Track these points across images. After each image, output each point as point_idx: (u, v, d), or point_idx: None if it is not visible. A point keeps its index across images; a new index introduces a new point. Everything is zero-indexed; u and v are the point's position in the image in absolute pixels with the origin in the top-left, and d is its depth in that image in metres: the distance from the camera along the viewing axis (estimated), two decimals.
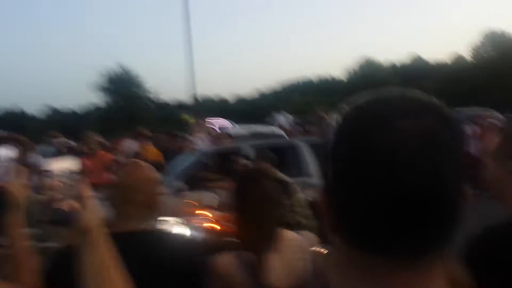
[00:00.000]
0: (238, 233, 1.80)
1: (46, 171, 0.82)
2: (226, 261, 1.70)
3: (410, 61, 61.97)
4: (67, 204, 0.98)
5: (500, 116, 12.13)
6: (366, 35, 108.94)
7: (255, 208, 1.72)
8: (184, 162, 6.49)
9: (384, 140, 0.53)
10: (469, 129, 9.84)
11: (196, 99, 20.22)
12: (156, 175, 1.67)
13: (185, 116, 15.88)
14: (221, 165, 6.76)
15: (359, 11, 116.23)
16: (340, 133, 0.58)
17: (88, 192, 0.99)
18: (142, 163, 1.73)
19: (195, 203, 5.55)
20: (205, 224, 3.84)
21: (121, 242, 1.17)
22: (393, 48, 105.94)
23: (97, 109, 43.87)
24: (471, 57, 49.78)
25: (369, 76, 47.80)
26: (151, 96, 39.42)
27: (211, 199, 4.65)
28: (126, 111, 35.99)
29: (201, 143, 9.37)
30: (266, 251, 1.69)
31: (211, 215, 3.99)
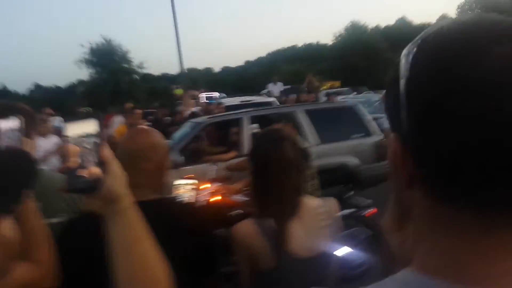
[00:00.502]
0: (258, 199, 1.72)
1: (65, 136, 0.74)
2: (247, 229, 1.65)
3: (395, 23, 61.50)
4: (88, 171, 0.85)
5: None
6: (352, 1, 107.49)
7: (277, 172, 1.64)
8: (180, 135, 6.39)
9: (482, 68, 0.45)
10: None
11: (182, 70, 19.84)
12: (164, 141, 1.60)
13: (177, 91, 15.66)
14: (219, 136, 6.70)
15: None
16: (419, 67, 0.49)
17: (111, 156, 0.87)
18: (149, 128, 1.63)
19: (193, 176, 5.54)
20: (207, 197, 3.81)
21: None
22: (379, 11, 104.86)
23: (81, 82, 42.95)
24: (457, 15, 49.41)
25: (356, 40, 47.30)
26: (135, 67, 38.58)
27: (211, 172, 4.60)
28: (112, 84, 35.24)
29: (194, 115, 9.25)
30: (287, 218, 1.63)
31: (212, 188, 3.96)
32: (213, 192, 3.83)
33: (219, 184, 3.95)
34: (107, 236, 0.88)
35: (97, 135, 0.87)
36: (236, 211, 3.69)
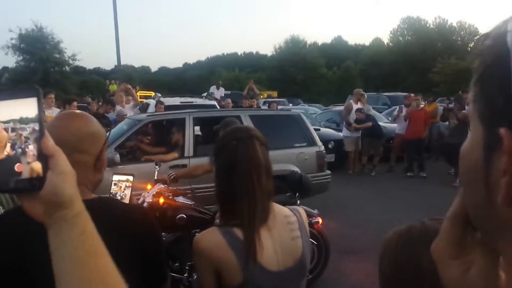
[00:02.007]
0: (224, 205, 1.53)
1: None
2: (212, 239, 1.45)
3: (331, 41, 64.11)
4: (25, 165, 0.65)
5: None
6: (294, 16, 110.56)
7: (249, 174, 1.45)
8: (116, 131, 6.01)
9: None
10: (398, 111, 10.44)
11: (119, 65, 19.06)
12: (103, 130, 1.31)
13: (112, 86, 14.96)
14: (160, 135, 6.40)
15: None
16: None
17: (56, 148, 0.66)
18: (85, 114, 1.32)
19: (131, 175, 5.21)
20: (148, 198, 3.55)
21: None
22: (317, 29, 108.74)
23: (5, 69, 39.87)
24: (389, 40, 52.56)
25: (294, 54, 48.52)
26: (67, 58, 36.52)
27: (149, 172, 4.32)
28: (40, 73, 32.98)
29: (130, 112, 8.83)
30: (258, 228, 1.45)
31: (151, 188, 3.71)
32: (155, 194, 3.58)
33: (162, 186, 3.70)
34: (52, 251, 0.65)
35: (36, 119, 0.66)
36: (180, 215, 3.47)
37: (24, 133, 0.65)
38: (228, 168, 1.49)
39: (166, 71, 75.45)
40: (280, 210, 1.57)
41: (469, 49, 45.69)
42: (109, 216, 1.15)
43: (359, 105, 10.17)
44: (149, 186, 3.75)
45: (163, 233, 3.53)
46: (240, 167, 1.46)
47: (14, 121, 0.66)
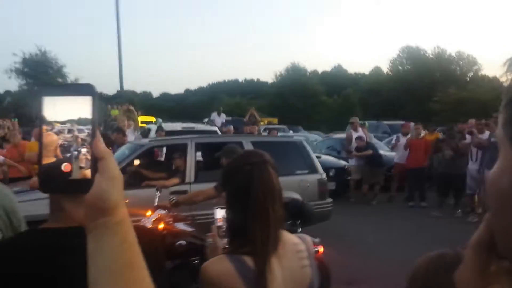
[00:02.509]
0: (234, 232, 1.49)
1: (44, 118, 0.54)
2: (221, 267, 1.41)
3: (331, 69, 64.87)
4: (76, 168, 0.62)
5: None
6: (294, 45, 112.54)
7: (263, 200, 1.42)
8: (117, 156, 6.00)
9: None
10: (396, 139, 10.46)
11: (121, 90, 19.24)
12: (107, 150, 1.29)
13: (114, 111, 15.01)
14: (160, 161, 6.39)
15: (288, 21, 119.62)
16: None
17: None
18: None
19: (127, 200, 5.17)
20: (147, 224, 3.51)
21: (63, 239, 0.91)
22: (317, 57, 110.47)
23: (6, 93, 40.18)
24: (388, 69, 53.18)
25: (295, 81, 49.01)
26: (70, 82, 36.81)
27: (150, 197, 4.29)
28: None
29: (132, 136, 8.84)
30: (269, 256, 1.41)
31: (151, 215, 3.67)
32: (155, 220, 3.54)
33: (162, 211, 3.67)
34: (89, 258, 0.63)
35: (90, 120, 0.64)
36: (179, 241, 3.43)
37: (82, 135, 0.64)
38: (241, 192, 1.46)
39: (167, 97, 76.03)
40: (289, 238, 1.54)
41: (467, 79, 46.23)
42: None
43: (360, 133, 10.21)
44: (149, 213, 3.72)
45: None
46: (255, 192, 1.43)
47: (71, 121, 0.64)
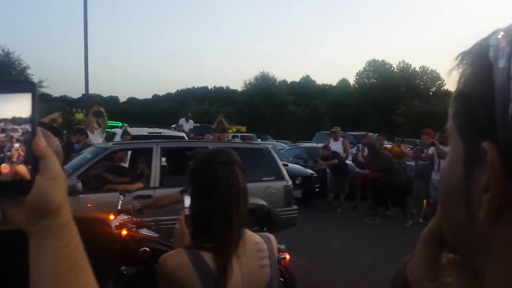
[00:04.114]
0: (197, 228, 1.50)
1: None
2: (177, 261, 1.40)
3: (300, 80, 65.79)
4: (10, 168, 0.58)
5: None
6: (264, 54, 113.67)
7: (227, 198, 1.43)
8: (79, 160, 5.82)
9: None
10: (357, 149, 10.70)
11: (87, 94, 18.78)
12: (58, 143, 1.23)
13: (78, 115, 14.67)
14: (123, 166, 6.24)
15: (259, 30, 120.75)
16: None
17: (48, 151, 0.60)
18: (45, 131, 1.26)
19: (89, 205, 5.02)
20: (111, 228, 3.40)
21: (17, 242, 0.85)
22: (286, 67, 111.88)
23: None
24: (355, 82, 54.45)
25: (264, 90, 49.37)
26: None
27: (112, 202, 4.17)
28: None
29: (100, 139, 8.62)
30: (230, 254, 1.42)
31: (114, 219, 3.56)
32: (117, 225, 3.43)
33: (125, 216, 3.57)
34: (31, 262, 0.60)
35: (28, 119, 0.60)
36: (143, 248, 3.34)
37: (16, 135, 0.59)
38: (206, 190, 1.46)
39: (134, 102, 74.90)
40: (251, 237, 1.54)
41: (431, 93, 47.87)
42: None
43: (338, 143, 10.41)
44: (111, 217, 3.60)
45: (123, 267, 3.38)
46: (220, 190, 1.44)
47: (5, 121, 0.60)
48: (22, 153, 0.59)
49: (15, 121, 0.60)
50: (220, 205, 1.43)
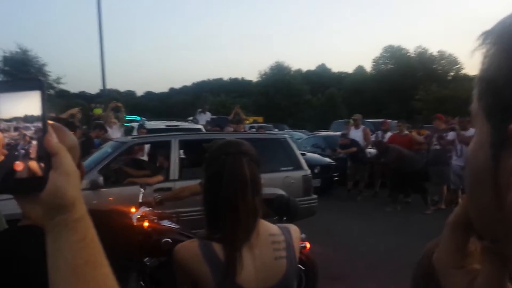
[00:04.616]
0: (208, 219, 1.51)
1: None
2: (189, 251, 1.44)
3: (315, 68, 65.25)
4: (24, 165, 0.59)
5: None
6: (279, 43, 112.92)
7: (233, 190, 1.44)
8: (100, 154, 5.91)
9: None
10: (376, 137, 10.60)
11: (104, 89, 18.99)
12: (74, 137, 1.23)
13: (97, 110, 14.85)
14: (142, 159, 6.31)
15: (273, 20, 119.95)
16: None
17: (60, 147, 0.62)
18: (60, 126, 1.24)
19: (110, 199, 5.10)
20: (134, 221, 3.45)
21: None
22: (301, 56, 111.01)
23: None
24: (372, 68, 53.71)
25: (279, 80, 49.14)
26: (52, 81, 36.43)
27: (133, 195, 4.23)
28: None
29: (118, 134, 8.74)
30: (239, 245, 1.43)
31: (136, 211, 3.61)
32: (139, 217, 3.48)
33: (146, 209, 3.61)
34: (49, 257, 0.61)
35: (39, 117, 0.61)
36: (165, 239, 3.37)
37: (29, 133, 0.61)
38: (214, 181, 1.48)
39: (151, 96, 75.49)
40: (266, 228, 1.54)
41: (449, 78, 46.95)
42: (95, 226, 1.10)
43: (359, 131, 10.32)
44: (133, 209, 3.65)
45: (146, 258, 3.43)
46: (225, 181, 1.45)
47: (17, 119, 0.61)
48: (35, 151, 0.61)
49: (27, 119, 0.61)
50: (226, 194, 1.44)
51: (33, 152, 0.60)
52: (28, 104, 0.61)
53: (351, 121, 11.02)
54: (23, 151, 0.60)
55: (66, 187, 0.60)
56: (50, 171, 0.60)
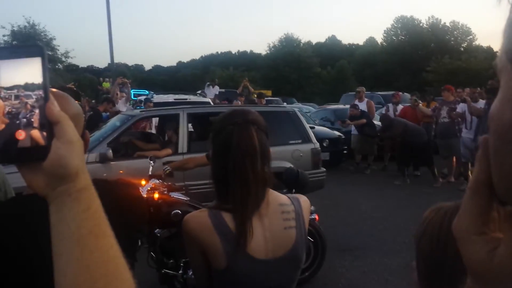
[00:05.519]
0: (217, 189, 1.51)
1: None
2: (198, 221, 1.44)
3: (325, 40, 64.23)
4: (28, 134, 0.58)
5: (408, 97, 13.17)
6: (288, 16, 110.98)
7: (241, 159, 1.42)
8: (109, 127, 5.93)
9: None
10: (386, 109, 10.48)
11: (112, 63, 18.94)
12: (79, 106, 1.14)
13: (105, 84, 14.86)
14: (151, 132, 6.32)
15: None
16: None
17: (63, 115, 0.60)
18: (59, 92, 1.17)
19: (121, 172, 5.14)
20: (142, 193, 3.48)
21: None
22: (311, 28, 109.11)
23: None
24: (383, 40, 52.66)
25: (288, 53, 48.50)
26: (60, 56, 36.42)
27: (143, 168, 4.25)
28: None
29: (123, 107, 8.75)
30: (248, 214, 1.42)
31: (146, 184, 3.64)
32: (149, 189, 3.51)
33: (156, 181, 3.64)
34: (52, 227, 0.60)
35: (40, 85, 0.59)
36: (175, 210, 3.41)
37: (30, 101, 0.59)
38: (222, 151, 1.46)
39: (160, 70, 75.21)
40: (275, 198, 1.53)
41: (462, 49, 45.97)
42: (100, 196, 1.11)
43: (364, 103, 10.19)
44: (143, 182, 3.68)
45: (157, 230, 3.48)
46: (234, 152, 1.43)
47: (18, 87, 0.59)
48: (37, 119, 0.59)
49: (28, 87, 0.59)
50: (235, 165, 1.42)
51: (35, 120, 0.59)
52: (29, 71, 0.59)
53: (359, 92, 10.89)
54: (24, 120, 0.59)
55: (69, 156, 0.59)
56: (53, 140, 0.58)
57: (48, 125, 0.58)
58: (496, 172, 0.42)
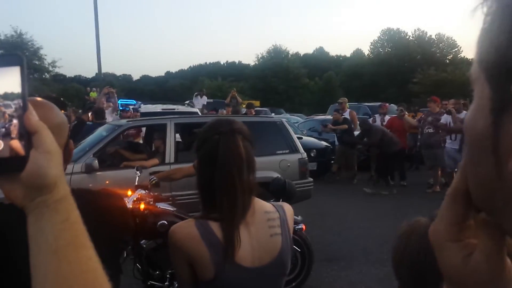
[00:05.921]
0: (203, 199, 1.51)
1: None
2: (185, 231, 1.43)
3: (313, 52, 64.83)
4: (7, 145, 0.57)
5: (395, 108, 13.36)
6: (276, 27, 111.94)
7: (228, 168, 1.43)
8: (94, 137, 5.88)
9: None
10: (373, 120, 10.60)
11: (100, 73, 18.83)
12: (63, 116, 1.14)
13: (92, 93, 14.79)
14: (138, 142, 6.29)
15: (270, 3, 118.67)
16: None
17: (41, 125, 0.59)
18: (44, 101, 1.07)
19: (107, 182, 5.09)
20: (128, 204, 3.45)
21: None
22: (299, 39, 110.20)
23: None
24: (369, 52, 53.35)
25: (277, 64, 48.81)
26: (47, 65, 36.15)
27: (129, 178, 4.22)
28: None
29: (109, 117, 8.70)
30: (235, 223, 1.43)
31: (132, 194, 3.61)
32: (135, 200, 3.48)
33: (142, 191, 3.61)
34: (30, 238, 0.59)
35: (17, 94, 0.58)
36: (161, 221, 3.39)
37: (9, 111, 0.58)
38: (209, 161, 1.46)
39: (148, 80, 75.04)
40: (261, 206, 1.54)
41: (447, 61, 46.75)
42: (83, 206, 1.10)
43: (346, 114, 10.31)
44: (129, 192, 3.65)
45: (143, 241, 3.45)
46: (221, 162, 1.43)
47: None
48: (16, 129, 0.58)
49: (7, 96, 0.58)
50: (222, 174, 1.43)
51: (13, 130, 0.58)
52: (8, 80, 0.58)
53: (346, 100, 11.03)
54: (3, 130, 0.58)
55: (47, 167, 0.58)
56: (31, 150, 0.57)
57: (26, 135, 0.58)
58: (471, 180, 0.43)
